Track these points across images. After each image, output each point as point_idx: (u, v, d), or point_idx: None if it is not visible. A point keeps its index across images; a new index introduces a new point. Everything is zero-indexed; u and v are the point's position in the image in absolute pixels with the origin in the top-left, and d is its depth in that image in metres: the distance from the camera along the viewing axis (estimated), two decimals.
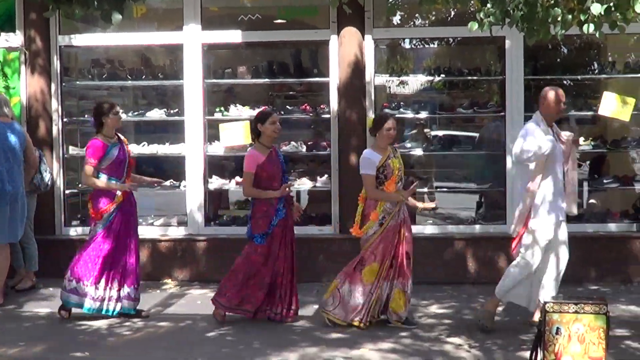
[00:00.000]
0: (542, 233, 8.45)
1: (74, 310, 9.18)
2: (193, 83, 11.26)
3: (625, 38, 12.42)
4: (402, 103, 11.99)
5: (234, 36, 11.36)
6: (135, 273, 9.19)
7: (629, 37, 12.37)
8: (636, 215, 11.09)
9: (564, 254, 8.69)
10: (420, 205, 9.55)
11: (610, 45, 13.10)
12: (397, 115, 11.59)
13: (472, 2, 8.82)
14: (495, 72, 11.92)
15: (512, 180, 10.37)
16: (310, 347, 8.10)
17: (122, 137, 9.31)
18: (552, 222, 8.47)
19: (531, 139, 8.31)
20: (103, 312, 9.06)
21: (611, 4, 6.03)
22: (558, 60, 13.31)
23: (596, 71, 12.64)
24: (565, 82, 12.55)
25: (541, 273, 8.65)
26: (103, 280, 9.02)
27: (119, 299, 9.10)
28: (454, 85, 13.22)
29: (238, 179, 11.44)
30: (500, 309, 9.06)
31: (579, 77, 12.48)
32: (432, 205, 9.58)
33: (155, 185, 10.18)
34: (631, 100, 10.56)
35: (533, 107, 11.40)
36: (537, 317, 8.21)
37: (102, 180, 9.00)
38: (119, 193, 9.04)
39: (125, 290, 9.13)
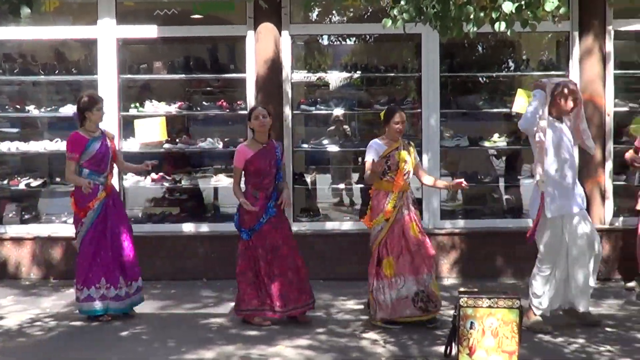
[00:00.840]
0: (550, 226, 8.44)
1: None
2: (108, 78, 11.10)
3: (539, 36, 12.65)
4: (319, 99, 12.00)
5: (149, 31, 11.23)
6: (134, 269, 9.02)
7: (543, 36, 12.60)
8: None
9: (583, 249, 8.47)
10: (448, 184, 9.22)
11: (525, 43, 13.29)
12: (314, 112, 11.66)
13: None
14: (412, 69, 11.99)
15: None
16: (226, 344, 8.06)
17: (105, 131, 9.11)
18: (558, 214, 8.40)
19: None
20: (111, 311, 8.91)
21: (522, 3, 6.11)
22: (474, 57, 13.43)
23: (511, 69, 12.77)
24: (480, 79, 12.70)
25: (564, 272, 8.52)
26: (103, 280, 8.83)
27: (125, 296, 8.94)
28: (371, 81, 13.26)
29: (154, 175, 11.33)
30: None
31: (494, 74, 12.61)
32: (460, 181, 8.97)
33: (148, 167, 9.66)
34: None
35: (449, 104, 11.59)
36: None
37: (77, 177, 8.84)
38: (102, 190, 8.88)
39: (133, 286, 9.02)
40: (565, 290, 8.52)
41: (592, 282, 8.51)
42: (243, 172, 8.80)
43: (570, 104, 8.34)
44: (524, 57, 12.90)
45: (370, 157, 8.60)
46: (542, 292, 8.47)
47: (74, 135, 8.88)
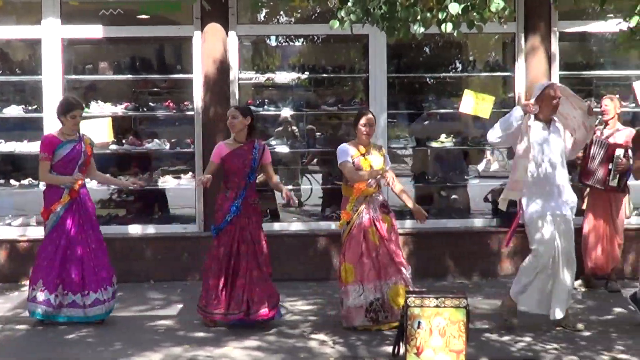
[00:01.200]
0: (530, 228, 8.49)
1: None
2: (52, 79, 10.97)
3: (486, 37, 12.75)
4: (266, 100, 11.98)
5: (95, 31, 11.13)
6: (100, 277, 8.80)
7: (490, 37, 12.70)
8: (497, 210, 11.31)
9: (563, 257, 8.49)
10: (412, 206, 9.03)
11: (472, 44, 13.40)
12: (261, 112, 11.63)
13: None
14: (360, 69, 12.02)
15: None
16: (173, 346, 8.00)
17: (84, 137, 8.98)
18: (538, 216, 8.44)
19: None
20: (60, 319, 8.73)
21: (468, 4, 6.14)
22: (422, 58, 13.52)
23: (458, 69, 12.86)
24: (428, 80, 12.77)
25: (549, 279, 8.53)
26: (60, 286, 8.69)
27: (82, 305, 8.74)
28: (319, 82, 13.27)
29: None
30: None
31: (441, 75, 12.68)
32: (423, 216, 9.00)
33: (135, 185, 9.65)
34: (490, 99, 10.77)
35: (397, 104, 11.64)
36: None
37: (53, 176, 8.73)
38: (66, 193, 8.73)
39: (109, 291, 8.86)
40: (547, 296, 8.55)
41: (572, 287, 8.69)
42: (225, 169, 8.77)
43: (552, 106, 8.43)
44: (471, 58, 13.04)
45: (344, 159, 8.66)
46: (527, 282, 8.54)
47: (46, 137, 8.85)
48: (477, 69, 12.18)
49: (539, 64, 10.95)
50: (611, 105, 10.09)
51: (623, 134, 10.02)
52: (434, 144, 11.68)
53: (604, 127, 10.22)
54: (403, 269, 8.59)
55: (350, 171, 8.60)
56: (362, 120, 8.70)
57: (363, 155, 8.69)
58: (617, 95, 10.45)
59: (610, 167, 9.88)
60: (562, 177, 8.48)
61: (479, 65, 12.31)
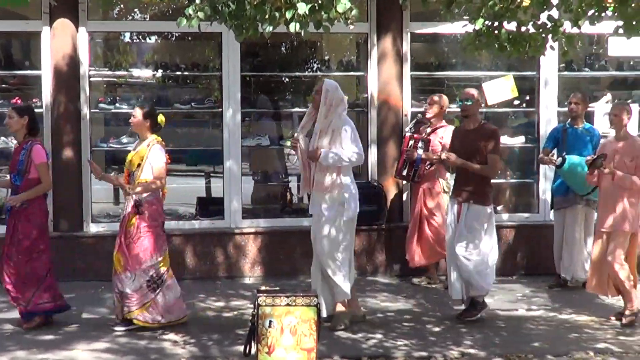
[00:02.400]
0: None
1: None
2: None
3: (342, 37, 12.85)
4: (118, 98, 11.78)
5: None
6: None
7: (345, 37, 12.79)
8: None
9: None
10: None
11: (327, 44, 13.47)
12: (112, 111, 11.44)
13: None
14: (214, 67, 11.94)
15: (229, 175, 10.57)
16: (19, 350, 7.79)
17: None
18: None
19: None
20: None
21: (316, 4, 6.17)
22: (277, 57, 13.52)
23: (313, 69, 12.92)
24: (283, 79, 12.79)
25: None
26: None
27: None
28: (174, 80, 13.12)
29: None
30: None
31: (296, 74, 12.71)
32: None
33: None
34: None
35: (252, 103, 11.62)
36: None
37: None
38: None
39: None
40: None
41: None
42: None
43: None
44: (326, 57, 13.11)
45: None
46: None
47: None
48: (332, 69, 12.28)
49: (391, 65, 11.11)
50: (435, 104, 10.28)
51: (444, 131, 10.25)
52: (288, 143, 11.68)
53: (428, 125, 10.48)
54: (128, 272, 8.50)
55: None
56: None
57: (135, 149, 8.74)
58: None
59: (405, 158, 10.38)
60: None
61: (333, 64, 12.41)
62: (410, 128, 10.72)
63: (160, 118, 8.78)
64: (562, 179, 10.17)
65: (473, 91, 9.05)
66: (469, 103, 8.88)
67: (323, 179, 8.48)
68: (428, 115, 10.42)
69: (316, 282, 8.65)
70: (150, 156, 8.48)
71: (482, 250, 8.80)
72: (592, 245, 9.48)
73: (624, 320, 8.86)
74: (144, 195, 8.49)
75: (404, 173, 10.47)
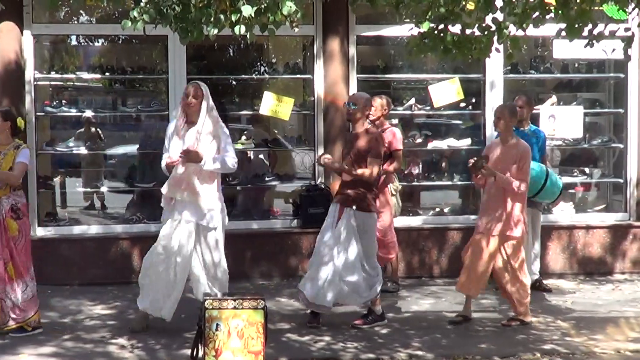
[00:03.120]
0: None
1: None
2: None
3: (289, 40, 12.86)
4: (64, 101, 11.69)
5: None
6: None
7: (292, 39, 12.81)
8: (297, 211, 11.44)
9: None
10: None
11: (274, 46, 13.49)
12: (59, 114, 11.35)
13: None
14: (161, 70, 11.87)
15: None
16: None
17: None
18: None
19: None
20: None
21: (261, 7, 6.17)
22: (224, 60, 13.50)
23: (261, 71, 12.92)
24: (230, 81, 12.76)
25: None
26: None
27: None
28: (121, 83, 13.05)
29: None
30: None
31: (243, 77, 12.68)
32: None
33: None
34: (289, 100, 10.96)
35: None
36: None
37: None
38: None
39: None
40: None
41: None
42: None
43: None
44: (274, 60, 13.12)
45: None
46: None
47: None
48: (279, 71, 12.29)
49: (337, 67, 11.13)
50: (377, 104, 10.21)
51: (388, 133, 10.15)
52: (236, 146, 11.67)
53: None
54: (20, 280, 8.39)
55: None
56: None
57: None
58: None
59: None
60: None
61: (280, 67, 12.41)
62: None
63: (20, 121, 8.66)
64: None
65: (359, 96, 8.95)
66: (354, 107, 8.75)
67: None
68: (371, 118, 10.36)
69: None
70: (19, 157, 8.40)
71: (349, 259, 8.66)
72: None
73: (505, 322, 8.95)
74: (19, 199, 8.44)
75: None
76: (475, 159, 8.75)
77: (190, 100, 8.32)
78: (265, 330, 7.22)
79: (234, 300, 7.20)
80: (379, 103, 10.12)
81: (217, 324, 7.12)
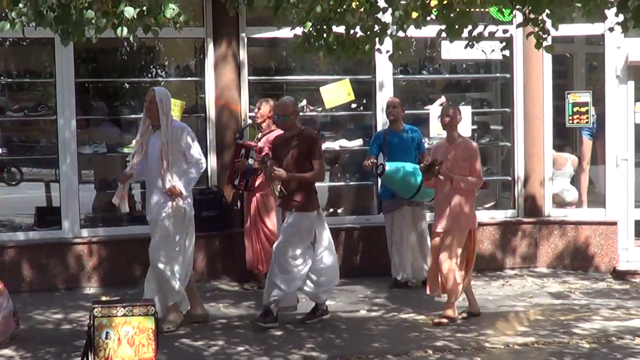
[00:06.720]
0: None
1: None
2: None
3: (182, 42, 12.75)
4: None
5: None
6: None
7: (185, 42, 12.69)
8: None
9: None
10: None
11: (166, 49, 13.34)
12: None
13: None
14: (49, 74, 11.63)
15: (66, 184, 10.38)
16: None
17: None
18: None
19: None
20: None
21: (144, 8, 6.10)
22: (114, 63, 13.29)
23: (152, 74, 12.77)
24: (123, 84, 12.59)
25: None
26: None
27: None
28: (8, 87, 12.74)
29: None
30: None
31: (135, 79, 12.52)
32: None
33: None
34: (180, 103, 10.86)
35: (88, 110, 11.40)
36: None
37: None
38: None
39: None
40: None
41: None
42: None
43: None
44: (165, 63, 12.99)
45: None
46: None
47: None
48: (170, 74, 12.19)
49: (228, 70, 11.08)
50: (264, 108, 10.23)
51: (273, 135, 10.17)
52: (126, 150, 11.51)
53: (260, 131, 10.46)
54: None
55: None
56: None
57: None
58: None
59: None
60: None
61: (172, 70, 12.30)
62: (240, 135, 10.72)
63: None
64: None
65: (284, 105, 8.91)
66: (287, 119, 8.80)
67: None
68: (258, 121, 10.34)
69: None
70: None
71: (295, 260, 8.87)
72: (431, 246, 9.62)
73: (436, 320, 9.01)
74: None
75: (236, 182, 10.40)
76: (425, 164, 9.01)
77: (146, 105, 8.68)
78: (156, 336, 7.15)
79: (124, 307, 7.11)
80: (266, 106, 10.13)
81: (107, 332, 7.03)
